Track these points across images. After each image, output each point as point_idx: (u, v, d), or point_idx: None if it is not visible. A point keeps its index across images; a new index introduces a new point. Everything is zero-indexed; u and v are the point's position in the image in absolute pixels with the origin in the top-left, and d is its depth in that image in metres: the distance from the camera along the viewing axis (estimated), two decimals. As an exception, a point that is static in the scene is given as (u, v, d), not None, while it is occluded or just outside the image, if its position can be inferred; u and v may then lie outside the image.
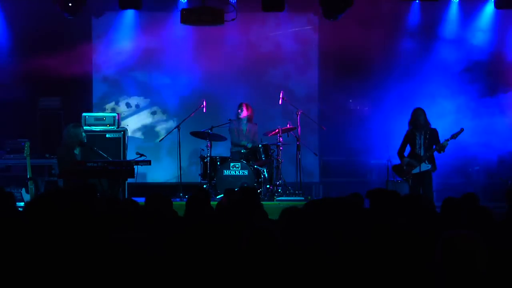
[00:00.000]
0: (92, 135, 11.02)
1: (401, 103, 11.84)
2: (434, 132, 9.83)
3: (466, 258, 3.16)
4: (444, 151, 9.78)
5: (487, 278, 3.26)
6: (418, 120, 9.75)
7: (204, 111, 11.11)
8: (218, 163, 10.64)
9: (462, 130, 9.76)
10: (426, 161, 9.77)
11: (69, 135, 9.94)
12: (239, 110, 11.02)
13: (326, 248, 3.73)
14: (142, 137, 12.21)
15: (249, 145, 10.86)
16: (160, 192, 5.90)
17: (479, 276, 3.14)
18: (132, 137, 11.69)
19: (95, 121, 11.32)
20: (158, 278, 3.35)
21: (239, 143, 10.98)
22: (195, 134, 10.95)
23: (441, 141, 9.78)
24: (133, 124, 12.28)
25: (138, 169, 10.17)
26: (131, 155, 10.85)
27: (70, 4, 10.81)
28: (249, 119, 11.08)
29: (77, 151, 10.15)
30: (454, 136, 9.74)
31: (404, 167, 9.88)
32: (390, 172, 11.11)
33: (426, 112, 9.86)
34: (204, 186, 10.72)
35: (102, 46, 12.61)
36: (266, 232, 3.73)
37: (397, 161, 10.14)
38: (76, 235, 4.01)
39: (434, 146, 9.75)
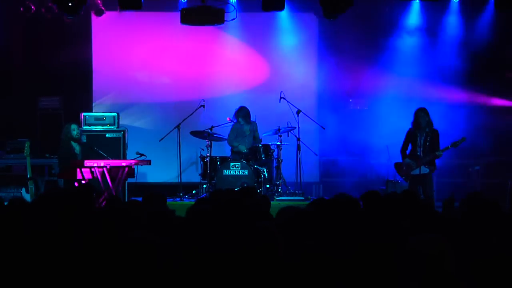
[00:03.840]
0: (92, 135, 11.03)
1: (401, 103, 11.85)
2: (435, 134, 9.78)
3: (433, 262, 3.17)
4: (439, 157, 9.76)
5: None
6: (420, 122, 9.71)
7: (203, 110, 11.12)
8: (218, 163, 10.65)
9: (464, 139, 9.58)
10: (425, 165, 9.73)
11: (63, 133, 10.05)
12: (239, 116, 11.03)
13: (326, 250, 3.72)
14: (142, 136, 12.20)
15: (243, 149, 10.90)
16: (154, 191, 5.94)
17: (447, 279, 3.15)
18: (132, 137, 11.69)
19: (95, 120, 11.32)
20: (159, 278, 3.36)
21: (232, 144, 11.01)
22: (195, 133, 10.96)
23: (440, 144, 9.75)
24: (133, 123, 12.28)
25: (138, 169, 10.18)
26: (131, 155, 10.85)
27: (70, 4, 10.80)
28: (246, 121, 11.08)
29: (77, 151, 10.16)
30: (454, 145, 9.57)
31: (404, 168, 9.87)
32: (390, 172, 11.12)
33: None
34: (204, 186, 10.74)
35: (102, 46, 12.62)
36: (267, 231, 3.73)
37: (397, 160, 10.15)
38: (79, 235, 4.01)
39: (432, 152, 9.69)
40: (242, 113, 11.03)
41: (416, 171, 9.73)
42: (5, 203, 5.79)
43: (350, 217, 4.93)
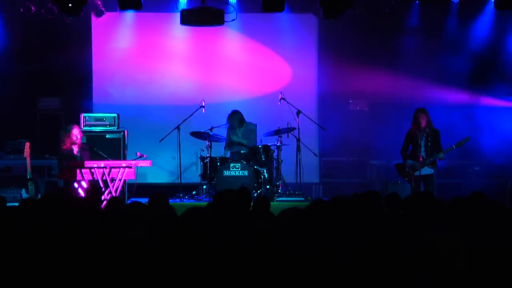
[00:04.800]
0: (92, 135, 11.02)
1: (401, 104, 11.86)
2: (436, 134, 9.76)
3: (446, 260, 3.15)
4: (445, 158, 9.74)
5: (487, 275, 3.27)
6: (420, 122, 9.69)
7: (203, 111, 11.13)
8: (218, 163, 10.66)
9: (468, 138, 9.59)
10: (428, 166, 9.72)
11: (62, 134, 9.99)
12: (230, 121, 11.08)
13: (332, 252, 3.71)
14: (142, 137, 12.20)
15: (244, 141, 10.92)
16: (162, 192, 5.94)
17: (460, 278, 3.14)
18: (132, 138, 11.68)
19: (95, 121, 11.32)
20: (159, 278, 3.36)
21: (231, 143, 11.06)
22: (195, 134, 10.97)
23: (442, 144, 9.74)
24: (133, 124, 12.26)
25: (138, 169, 10.17)
26: (131, 156, 10.85)
27: (70, 5, 10.78)
28: (240, 124, 11.10)
29: (78, 153, 10.14)
30: (459, 145, 9.58)
31: (407, 169, 9.85)
32: (390, 173, 11.12)
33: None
34: (204, 187, 10.75)
35: (102, 47, 12.62)
36: (269, 233, 3.72)
37: (397, 160, 10.15)
38: (81, 235, 4.01)
39: (435, 153, 9.67)
40: (234, 118, 11.06)
41: (418, 172, 9.72)
42: (8, 204, 5.79)
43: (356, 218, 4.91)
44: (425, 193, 6.68)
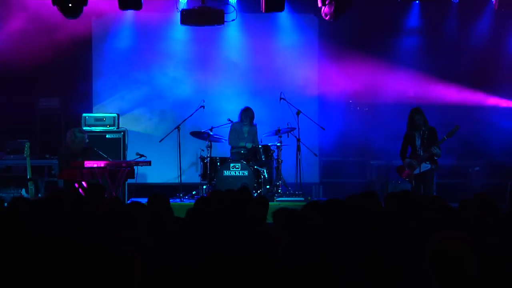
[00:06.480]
0: (92, 135, 11.01)
1: (401, 104, 11.85)
2: (433, 131, 9.77)
3: (455, 260, 3.13)
4: (440, 155, 9.70)
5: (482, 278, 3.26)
6: (415, 121, 9.69)
7: (203, 111, 11.12)
8: (218, 163, 10.66)
9: (457, 127, 9.62)
10: (426, 162, 9.72)
11: (74, 140, 9.83)
12: (244, 116, 11.03)
13: (334, 257, 3.70)
14: (142, 137, 12.20)
15: (248, 145, 10.90)
16: (159, 192, 5.94)
17: (468, 279, 3.12)
18: (132, 138, 11.68)
19: (95, 121, 11.32)
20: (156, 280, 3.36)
21: (236, 145, 11.03)
22: (195, 134, 10.97)
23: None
24: (133, 124, 12.27)
25: (138, 169, 10.17)
26: (131, 156, 10.84)
27: (70, 5, 10.77)
28: (251, 122, 11.13)
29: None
30: (449, 134, 9.62)
31: (406, 168, 9.85)
32: (390, 173, 11.11)
33: (424, 112, 9.83)
34: (204, 187, 10.74)
35: (102, 47, 12.61)
36: (267, 237, 3.71)
37: (397, 160, 10.15)
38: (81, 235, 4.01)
39: (433, 149, 9.67)
40: (248, 113, 11.05)
41: (417, 170, 9.72)
42: (5, 204, 5.78)
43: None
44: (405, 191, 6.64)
